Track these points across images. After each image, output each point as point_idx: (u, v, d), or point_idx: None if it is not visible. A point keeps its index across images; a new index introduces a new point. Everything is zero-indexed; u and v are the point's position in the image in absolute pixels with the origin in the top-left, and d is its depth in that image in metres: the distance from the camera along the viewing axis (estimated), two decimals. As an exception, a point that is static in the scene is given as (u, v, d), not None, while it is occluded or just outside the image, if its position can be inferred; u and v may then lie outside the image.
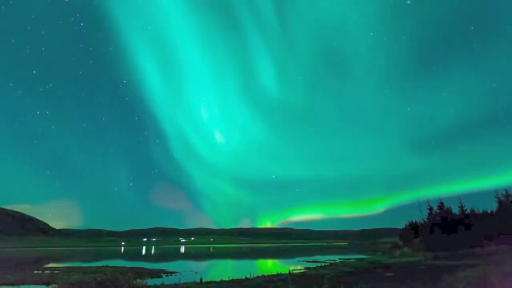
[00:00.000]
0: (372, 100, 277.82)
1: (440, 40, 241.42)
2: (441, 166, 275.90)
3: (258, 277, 17.51)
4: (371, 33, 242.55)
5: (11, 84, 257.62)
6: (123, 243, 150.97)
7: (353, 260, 30.76)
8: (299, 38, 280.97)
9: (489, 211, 35.42)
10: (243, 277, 17.20)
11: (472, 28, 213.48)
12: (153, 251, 73.33)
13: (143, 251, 73.91)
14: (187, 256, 54.67)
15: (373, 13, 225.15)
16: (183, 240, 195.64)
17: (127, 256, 54.32)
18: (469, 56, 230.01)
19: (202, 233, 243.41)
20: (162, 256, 52.97)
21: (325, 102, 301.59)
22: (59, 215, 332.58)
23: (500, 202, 32.24)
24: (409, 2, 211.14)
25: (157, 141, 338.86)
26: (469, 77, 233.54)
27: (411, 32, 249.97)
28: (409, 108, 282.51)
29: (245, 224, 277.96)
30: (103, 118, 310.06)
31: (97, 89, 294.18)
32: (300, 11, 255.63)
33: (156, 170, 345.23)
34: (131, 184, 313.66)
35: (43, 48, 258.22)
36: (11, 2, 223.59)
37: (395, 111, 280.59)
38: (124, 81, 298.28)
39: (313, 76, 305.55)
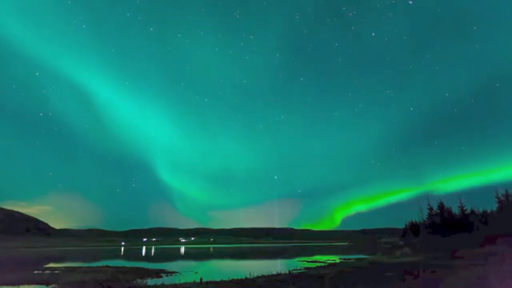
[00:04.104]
0: (375, 99, 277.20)
1: (442, 40, 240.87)
2: (442, 163, 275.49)
3: (258, 277, 17.52)
4: (373, 34, 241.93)
5: (14, 86, 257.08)
6: (123, 243, 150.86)
7: (353, 260, 30.77)
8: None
9: (489, 211, 35.47)
10: (243, 277, 17.22)
11: (474, 28, 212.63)
12: (153, 251, 73.34)
13: (143, 251, 73.90)
14: (187, 256, 54.67)
15: (373, 13, 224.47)
16: (183, 240, 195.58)
17: (127, 256, 54.31)
18: (471, 56, 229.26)
19: (202, 233, 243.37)
20: (162, 256, 52.99)
21: (323, 99, 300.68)
22: (59, 215, 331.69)
23: (500, 202, 32.27)
24: (410, 2, 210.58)
25: (158, 142, 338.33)
26: (471, 76, 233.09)
27: (413, 33, 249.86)
28: (411, 108, 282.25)
29: (245, 224, 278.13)
30: (106, 120, 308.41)
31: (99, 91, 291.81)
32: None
33: (158, 171, 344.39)
34: (133, 185, 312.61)
35: (45, 50, 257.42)
36: (14, 4, 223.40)
37: (396, 110, 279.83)
38: (127, 83, 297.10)
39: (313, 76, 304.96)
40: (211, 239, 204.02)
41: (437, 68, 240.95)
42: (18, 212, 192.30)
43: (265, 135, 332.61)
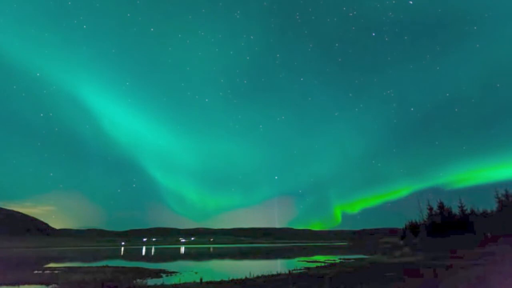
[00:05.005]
0: (376, 99, 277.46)
1: (442, 40, 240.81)
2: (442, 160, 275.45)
3: (258, 277, 17.53)
4: (373, 34, 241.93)
5: (14, 87, 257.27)
6: (123, 243, 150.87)
7: (353, 260, 30.75)
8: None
9: (489, 211, 35.50)
10: (243, 277, 17.22)
11: (475, 28, 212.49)
12: (153, 251, 73.34)
13: (143, 251, 73.90)
14: (187, 256, 54.68)
15: (373, 13, 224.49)
16: (183, 240, 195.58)
17: (127, 256, 54.32)
18: (471, 56, 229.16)
19: (202, 233, 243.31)
20: (162, 256, 52.99)
21: (323, 99, 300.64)
22: (59, 215, 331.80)
23: (500, 202, 32.27)
24: (411, 2, 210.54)
25: (159, 142, 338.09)
26: (472, 76, 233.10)
27: (413, 33, 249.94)
28: (412, 109, 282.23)
29: (245, 224, 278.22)
30: (106, 120, 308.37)
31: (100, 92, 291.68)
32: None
33: (158, 171, 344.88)
34: (133, 185, 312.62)
35: (46, 51, 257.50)
36: (15, 5, 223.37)
37: (397, 110, 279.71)
38: (127, 83, 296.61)
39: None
40: (211, 239, 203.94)
41: (437, 68, 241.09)
42: (18, 212, 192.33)
43: (265, 135, 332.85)
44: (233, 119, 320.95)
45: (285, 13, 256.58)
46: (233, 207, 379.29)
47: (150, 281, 17.53)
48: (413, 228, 42.70)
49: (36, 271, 23.95)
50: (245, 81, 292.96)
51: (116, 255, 55.67)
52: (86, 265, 31.72)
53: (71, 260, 42.34)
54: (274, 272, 19.11)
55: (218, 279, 16.59)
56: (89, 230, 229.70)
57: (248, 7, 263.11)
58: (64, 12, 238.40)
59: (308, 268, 22.70)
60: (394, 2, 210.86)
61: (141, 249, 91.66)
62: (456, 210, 36.44)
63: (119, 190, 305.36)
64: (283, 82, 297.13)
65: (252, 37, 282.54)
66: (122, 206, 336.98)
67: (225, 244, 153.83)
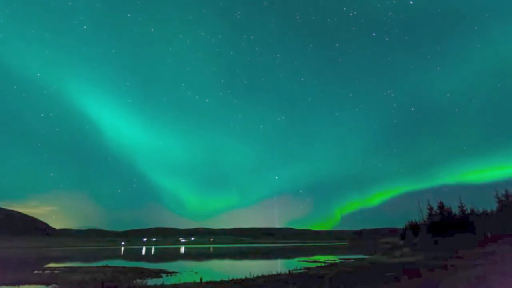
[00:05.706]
0: (376, 99, 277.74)
1: (442, 40, 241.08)
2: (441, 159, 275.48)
3: (258, 277, 17.52)
4: (373, 34, 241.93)
5: (15, 87, 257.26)
6: (123, 243, 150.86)
7: (353, 260, 30.75)
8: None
9: (489, 211, 35.50)
10: (243, 277, 17.22)
11: (475, 28, 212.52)
12: (153, 251, 73.33)
13: (143, 251, 73.90)
14: (187, 256, 54.67)
15: (373, 13, 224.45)
16: (183, 240, 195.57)
17: (127, 256, 54.31)
18: (471, 56, 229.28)
19: (202, 233, 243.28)
20: (162, 256, 52.98)
21: (323, 99, 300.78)
22: (59, 215, 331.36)
23: (500, 202, 32.27)
24: (411, 2, 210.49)
25: (159, 142, 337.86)
26: (472, 76, 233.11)
27: (413, 33, 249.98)
28: (412, 109, 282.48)
29: (245, 224, 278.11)
30: (106, 120, 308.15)
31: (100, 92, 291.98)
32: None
33: (158, 171, 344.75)
34: (134, 185, 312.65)
35: (46, 51, 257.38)
36: (15, 5, 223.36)
37: (397, 110, 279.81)
38: (128, 84, 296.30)
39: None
40: (211, 239, 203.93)
41: (437, 68, 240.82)
42: (18, 212, 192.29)
43: (265, 135, 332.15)
44: (233, 119, 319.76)
45: (285, 13, 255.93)
46: (233, 207, 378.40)
47: (150, 281, 17.53)
48: (413, 228, 42.71)
49: (36, 271, 23.94)
50: (245, 81, 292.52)
51: (116, 255, 55.64)
52: (86, 265, 31.71)
53: (71, 260, 42.32)
54: (274, 272, 19.10)
55: (218, 279, 16.60)
56: (89, 230, 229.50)
57: (248, 7, 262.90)
58: (64, 12, 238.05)
59: (308, 268, 22.70)
60: (394, 2, 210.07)
61: (141, 249, 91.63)
62: (456, 210, 36.48)
63: (119, 190, 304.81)
64: (283, 82, 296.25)
65: (252, 37, 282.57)
66: (122, 206, 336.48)
67: (225, 244, 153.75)
